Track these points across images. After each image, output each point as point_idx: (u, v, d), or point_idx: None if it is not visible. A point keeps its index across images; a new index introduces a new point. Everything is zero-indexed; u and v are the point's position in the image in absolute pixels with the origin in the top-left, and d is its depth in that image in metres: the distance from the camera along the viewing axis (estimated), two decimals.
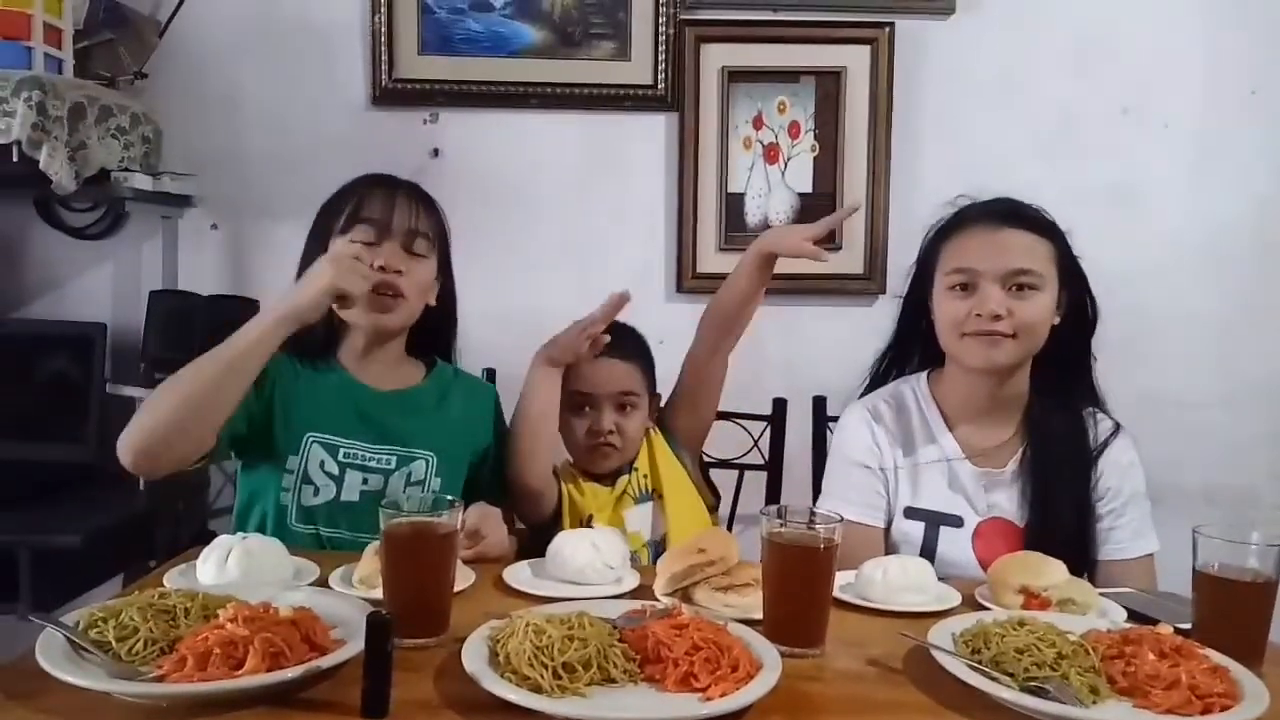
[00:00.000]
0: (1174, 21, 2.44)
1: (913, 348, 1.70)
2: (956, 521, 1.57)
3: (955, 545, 1.56)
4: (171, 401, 1.37)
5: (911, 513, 1.59)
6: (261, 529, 1.52)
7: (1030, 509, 1.55)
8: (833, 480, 1.65)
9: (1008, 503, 1.57)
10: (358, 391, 1.60)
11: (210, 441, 1.41)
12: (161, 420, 1.36)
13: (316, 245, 1.58)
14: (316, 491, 1.54)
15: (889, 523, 1.60)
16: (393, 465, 1.57)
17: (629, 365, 1.72)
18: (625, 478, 1.73)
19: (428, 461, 1.60)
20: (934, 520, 1.57)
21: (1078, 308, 1.58)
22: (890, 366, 1.73)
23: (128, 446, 1.36)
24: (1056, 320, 1.55)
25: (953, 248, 1.56)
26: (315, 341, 1.60)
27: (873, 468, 1.61)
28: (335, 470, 1.55)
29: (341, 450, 1.55)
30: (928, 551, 1.55)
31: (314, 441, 1.55)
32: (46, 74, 2.03)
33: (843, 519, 1.14)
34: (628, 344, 1.75)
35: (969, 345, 1.52)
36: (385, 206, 1.56)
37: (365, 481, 1.56)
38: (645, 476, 1.75)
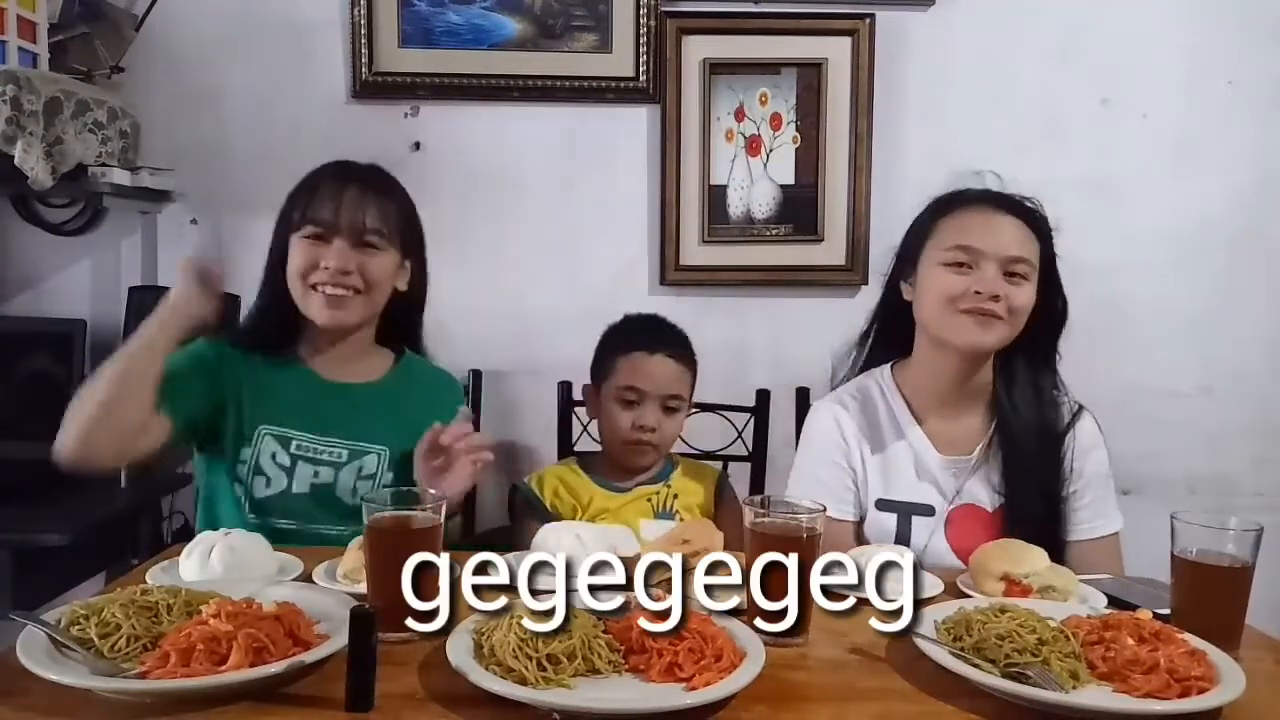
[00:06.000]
0: (1152, 12, 2.45)
1: (894, 326, 1.69)
2: (928, 511, 1.58)
3: (928, 534, 1.57)
4: (86, 405, 1.42)
5: (884, 505, 1.60)
6: (228, 523, 1.51)
7: (1000, 493, 1.57)
8: (802, 475, 1.65)
9: (977, 488, 1.59)
10: (313, 384, 1.62)
11: (136, 436, 1.44)
12: (82, 420, 1.41)
13: (278, 241, 1.61)
14: (268, 483, 1.56)
15: (862, 516, 1.62)
16: (343, 459, 1.59)
17: (680, 367, 1.80)
18: (648, 489, 1.76)
19: (379, 456, 1.61)
20: (906, 511, 1.59)
21: (1049, 303, 1.59)
22: (875, 345, 1.73)
23: (59, 446, 1.41)
24: None
25: (952, 224, 1.57)
26: (272, 334, 1.62)
27: (841, 463, 1.62)
28: (286, 462, 1.57)
29: (293, 442, 1.58)
30: (900, 541, 1.57)
31: (266, 433, 1.57)
32: (21, 68, 2.00)
33: (825, 509, 1.14)
34: (681, 346, 1.82)
35: (961, 322, 1.52)
36: (332, 204, 1.56)
37: (316, 474, 1.58)
38: (675, 497, 1.78)
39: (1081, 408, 1.63)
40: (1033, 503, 1.56)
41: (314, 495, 1.57)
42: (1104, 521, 1.59)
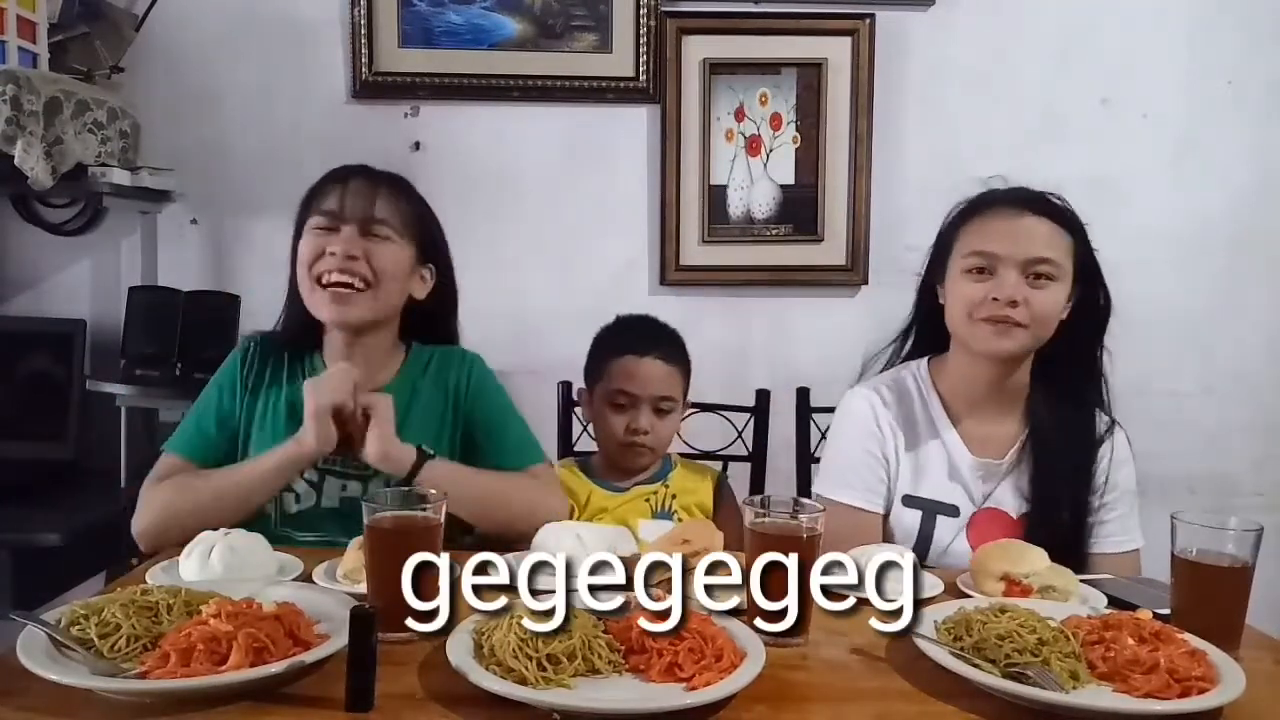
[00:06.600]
0: (1153, 13, 2.45)
1: (929, 327, 1.66)
2: (953, 511, 1.56)
3: (951, 535, 1.56)
4: (183, 510, 1.44)
5: (910, 501, 1.58)
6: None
7: (1028, 500, 1.55)
8: (834, 464, 1.63)
9: (1004, 493, 1.57)
10: None
11: None
12: (173, 525, 1.43)
13: (294, 245, 1.57)
14: (297, 499, 1.54)
15: (887, 510, 1.59)
16: (370, 469, 1.52)
17: (671, 368, 1.78)
18: (646, 489, 1.76)
19: None
20: (931, 509, 1.57)
21: (1088, 302, 1.56)
22: (914, 347, 1.70)
23: (142, 533, 1.46)
24: (1064, 314, 1.53)
25: (972, 230, 1.55)
26: (296, 339, 1.61)
27: (875, 452, 1.59)
28: (314, 477, 1.54)
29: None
30: (923, 540, 1.56)
31: None
32: (21, 68, 2.01)
33: (825, 509, 1.14)
34: (672, 347, 1.80)
35: (980, 330, 1.50)
36: (338, 194, 1.53)
37: (344, 488, 1.54)
38: (673, 497, 1.77)
39: (1114, 422, 1.60)
40: (1059, 512, 1.53)
41: (343, 509, 1.53)
42: (1128, 537, 1.57)
